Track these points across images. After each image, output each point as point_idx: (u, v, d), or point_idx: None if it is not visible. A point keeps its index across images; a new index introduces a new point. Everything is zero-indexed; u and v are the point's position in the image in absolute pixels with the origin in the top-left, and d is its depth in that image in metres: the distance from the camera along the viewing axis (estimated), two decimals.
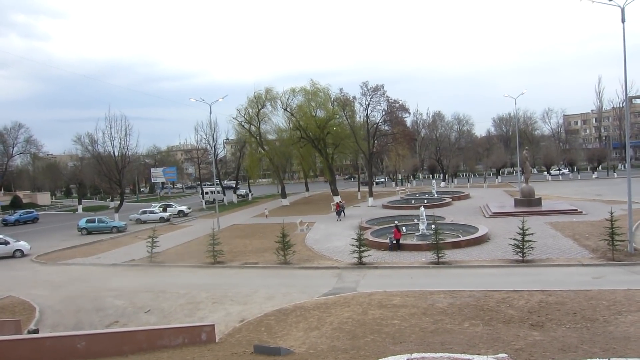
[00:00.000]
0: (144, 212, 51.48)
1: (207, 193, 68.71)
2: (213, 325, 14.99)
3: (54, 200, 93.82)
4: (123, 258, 30.51)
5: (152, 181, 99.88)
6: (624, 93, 34.55)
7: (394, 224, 31.91)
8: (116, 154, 51.77)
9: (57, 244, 37.54)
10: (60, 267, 29.31)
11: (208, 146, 71.99)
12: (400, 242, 27.66)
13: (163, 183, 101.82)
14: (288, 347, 13.21)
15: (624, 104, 73.45)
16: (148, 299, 20.49)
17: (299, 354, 12.56)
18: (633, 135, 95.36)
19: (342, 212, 43.56)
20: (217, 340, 14.48)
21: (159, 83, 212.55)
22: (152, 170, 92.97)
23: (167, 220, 50.25)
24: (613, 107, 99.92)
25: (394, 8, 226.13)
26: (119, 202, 55.36)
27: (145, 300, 20.42)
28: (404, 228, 33.74)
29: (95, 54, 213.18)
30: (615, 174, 75.54)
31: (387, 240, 28.02)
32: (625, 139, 27.61)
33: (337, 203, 47.28)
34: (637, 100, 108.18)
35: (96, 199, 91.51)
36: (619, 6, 23.01)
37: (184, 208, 56.44)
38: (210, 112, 50.99)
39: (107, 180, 56.67)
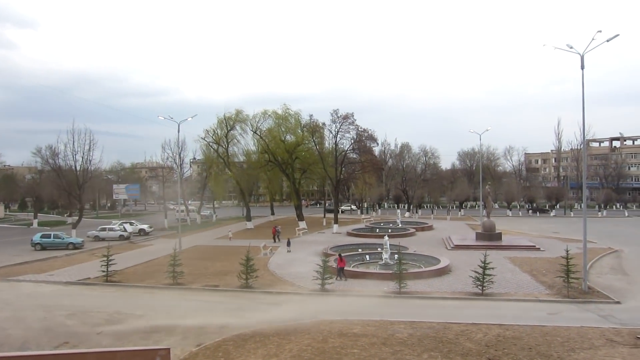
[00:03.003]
0: (103, 229, 49.96)
1: (181, 211, 66.97)
2: (169, 349, 14.50)
3: (7, 213, 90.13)
4: (78, 276, 29.39)
5: (114, 198, 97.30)
6: (582, 136, 36.26)
7: (357, 252, 32.03)
8: (78, 168, 50.39)
9: (8, 259, 35.86)
10: (9, 283, 27.94)
11: (174, 165, 70.98)
12: (364, 270, 27.70)
13: (125, 200, 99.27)
14: None
15: (582, 146, 76.91)
16: (102, 320, 19.72)
17: None
18: (589, 176, 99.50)
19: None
20: None
21: (127, 99, 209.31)
22: (115, 186, 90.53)
23: (127, 238, 48.88)
24: (571, 149, 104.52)
25: (367, 38, 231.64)
26: (77, 217, 53.60)
27: (98, 320, 19.64)
28: (367, 256, 33.95)
29: (62, 66, 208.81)
30: (572, 213, 78.29)
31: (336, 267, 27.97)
32: (582, 180, 28.80)
33: (274, 227, 47.39)
34: (594, 143, 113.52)
35: (54, 214, 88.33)
36: (579, 53, 24.32)
37: (145, 227, 55.12)
38: (179, 131, 50.21)
39: (66, 195, 54.91)
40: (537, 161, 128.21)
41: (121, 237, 48.78)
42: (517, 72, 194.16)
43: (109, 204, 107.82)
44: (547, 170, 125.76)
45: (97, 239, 48.20)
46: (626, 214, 75.96)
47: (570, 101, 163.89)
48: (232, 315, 20.10)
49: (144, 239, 50.27)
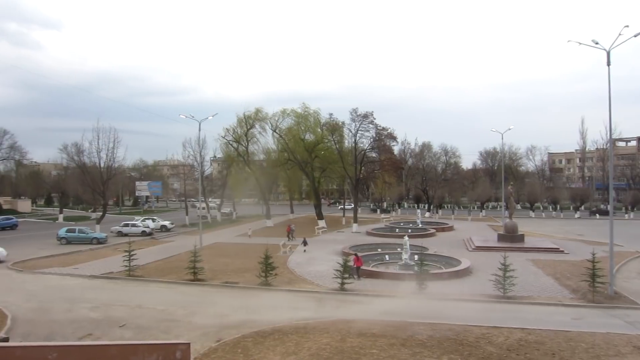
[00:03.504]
0: (126, 225, 50.77)
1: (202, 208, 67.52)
2: (189, 343, 14.66)
3: (34, 207, 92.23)
4: (101, 270, 29.92)
5: (137, 194, 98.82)
6: (609, 135, 35.30)
7: (377, 251, 31.82)
8: (102, 165, 51.31)
9: (35, 252, 36.73)
10: (36, 276, 28.62)
11: (195, 163, 71.72)
12: (384, 271, 27.56)
13: (147, 197, 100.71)
14: None
15: (608, 145, 75.12)
16: (124, 313, 20.06)
17: None
18: (616, 177, 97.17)
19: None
20: None
21: (149, 98, 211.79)
22: (137, 183, 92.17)
23: (149, 234, 49.60)
24: (597, 148, 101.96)
25: (386, 36, 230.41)
26: (101, 213, 54.58)
27: (121, 314, 19.98)
28: (386, 256, 33.79)
29: (86, 66, 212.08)
30: (597, 215, 76.60)
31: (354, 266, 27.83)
32: (609, 181, 28.11)
33: (288, 226, 47.31)
34: (620, 142, 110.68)
35: (78, 209, 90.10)
36: (605, 49, 23.65)
37: (166, 223, 55.86)
38: (199, 130, 51.09)
39: (90, 191, 55.92)
40: (560, 161, 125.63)
41: (143, 233, 49.50)
42: (540, 69, 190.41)
43: (131, 201, 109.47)
44: (572, 170, 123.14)
45: (120, 234, 48.99)
46: None
47: (595, 99, 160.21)
48: (250, 313, 20.21)
49: (166, 235, 50.93)
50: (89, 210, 79.52)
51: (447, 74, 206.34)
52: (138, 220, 54.47)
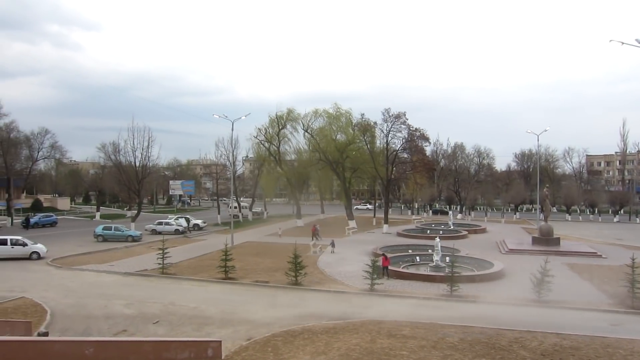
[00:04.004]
0: (160, 223, 51.88)
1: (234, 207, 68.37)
2: (220, 341, 14.92)
3: (73, 205, 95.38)
4: (136, 267, 30.68)
5: (170, 193, 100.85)
6: None
7: (407, 252, 31.50)
8: (137, 164, 52.59)
9: (73, 249, 37.97)
10: (74, 272, 29.55)
11: (227, 162, 72.74)
12: (414, 272, 27.33)
13: (181, 195, 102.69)
14: None
15: None
16: (157, 310, 20.52)
17: None
18: None
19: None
20: (223, 357, 14.39)
21: (183, 98, 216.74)
22: (171, 182, 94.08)
23: (182, 232, 50.55)
24: (638, 151, 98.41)
25: (418, 35, 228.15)
26: (136, 211, 55.95)
27: (154, 310, 20.45)
28: (417, 257, 33.47)
29: (123, 66, 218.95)
30: (637, 219, 73.86)
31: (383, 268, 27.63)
32: None
33: (313, 226, 47.14)
34: None
35: (114, 207, 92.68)
36: None
37: (199, 222, 56.80)
38: (232, 129, 51.88)
39: (126, 190, 57.44)
40: (599, 164, 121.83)
41: (176, 232, 50.47)
42: (579, 69, 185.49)
43: (165, 199, 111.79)
44: (611, 173, 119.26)
45: (154, 232, 50.09)
46: None
47: (636, 100, 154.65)
48: (280, 312, 20.36)
49: (198, 234, 51.80)
50: (125, 209, 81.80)
51: (481, 74, 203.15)
52: (171, 218, 55.60)
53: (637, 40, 23.25)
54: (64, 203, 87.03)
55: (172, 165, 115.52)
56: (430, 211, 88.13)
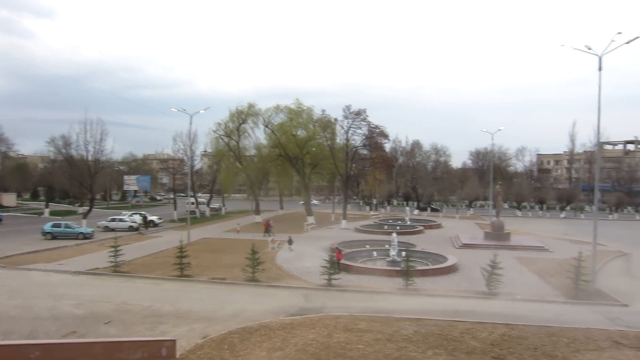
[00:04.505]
0: (113, 220, 50.40)
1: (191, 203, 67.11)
2: (174, 340, 14.68)
3: (20, 202, 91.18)
4: (87, 266, 29.68)
5: (125, 189, 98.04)
6: (597, 138, 35.91)
7: (365, 248, 31.84)
8: (89, 158, 50.78)
9: (19, 248, 36.27)
10: (19, 272, 28.26)
11: (185, 157, 71.34)
12: (371, 267, 27.72)
13: (136, 191, 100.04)
14: None
15: (596, 148, 76.00)
16: (109, 310, 19.94)
17: None
18: (602, 179, 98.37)
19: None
20: (177, 356, 14.17)
21: (141, 90, 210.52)
22: (126, 177, 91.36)
23: (137, 229, 49.30)
24: (585, 151, 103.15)
25: (380, 34, 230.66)
26: (88, 207, 54.09)
27: (106, 310, 19.87)
28: (374, 253, 33.95)
29: (78, 56, 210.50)
30: (582, 215, 77.53)
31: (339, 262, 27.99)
32: (595, 183, 28.54)
33: (266, 222, 47.54)
34: (607, 146, 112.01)
35: (65, 203, 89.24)
36: (597, 55, 24.01)
37: (154, 218, 55.50)
38: (191, 123, 50.80)
39: (77, 185, 55.37)
40: (549, 162, 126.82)
41: (130, 228, 49.20)
42: (532, 72, 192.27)
43: (119, 195, 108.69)
44: (559, 171, 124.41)
45: (107, 229, 48.61)
46: (637, 218, 75.12)
47: (585, 103, 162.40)
48: (237, 309, 20.22)
49: (153, 231, 50.66)
50: (76, 205, 78.80)
51: (440, 75, 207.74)
52: (125, 215, 54.10)
53: (586, 46, 24.43)
54: (9, 199, 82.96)
55: (127, 160, 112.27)
56: (424, 209, 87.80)
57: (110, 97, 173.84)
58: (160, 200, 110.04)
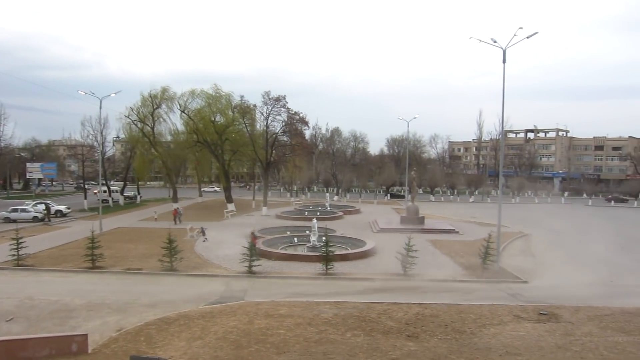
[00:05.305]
0: (15, 210, 46.59)
1: (103, 192, 63.25)
2: (86, 334, 13.96)
3: None
4: None
5: (27, 177, 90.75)
6: (501, 126, 38.53)
7: (286, 234, 31.98)
8: None
9: None
10: None
11: (95, 143, 67.29)
12: (292, 253, 27.97)
13: (40, 180, 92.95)
14: (168, 357, 12.73)
15: (500, 136, 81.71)
16: (12, 306, 18.49)
17: None
18: (506, 165, 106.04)
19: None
20: (89, 351, 13.51)
21: (44, 71, 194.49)
22: (28, 165, 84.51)
23: (42, 220, 45.94)
24: (491, 138, 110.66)
25: (299, 20, 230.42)
26: None
27: (8, 307, 18.39)
28: (295, 239, 34.26)
29: None
30: (489, 199, 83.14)
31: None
32: (499, 168, 30.73)
33: (175, 209, 47.13)
34: (511, 134, 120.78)
35: None
36: (502, 48, 25.64)
37: (62, 208, 52.00)
38: (101, 108, 47.42)
39: None
40: (459, 149, 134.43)
41: (35, 219, 45.78)
42: (444, 62, 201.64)
43: (21, 184, 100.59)
44: (469, 158, 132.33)
45: (7, 220, 44.83)
46: (536, 201, 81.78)
47: (491, 93, 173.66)
48: (154, 300, 19.61)
49: (61, 221, 47.47)
50: None
51: (356, 62, 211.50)
52: (29, 204, 50.19)
53: (492, 39, 26.01)
54: None
55: (30, 146, 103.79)
56: (388, 195, 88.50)
57: (9, 78, 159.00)
58: (74, 188, 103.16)
